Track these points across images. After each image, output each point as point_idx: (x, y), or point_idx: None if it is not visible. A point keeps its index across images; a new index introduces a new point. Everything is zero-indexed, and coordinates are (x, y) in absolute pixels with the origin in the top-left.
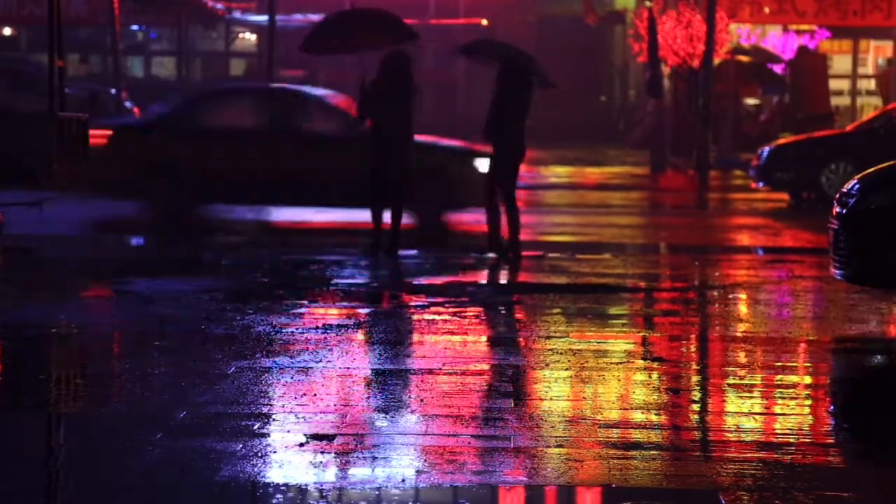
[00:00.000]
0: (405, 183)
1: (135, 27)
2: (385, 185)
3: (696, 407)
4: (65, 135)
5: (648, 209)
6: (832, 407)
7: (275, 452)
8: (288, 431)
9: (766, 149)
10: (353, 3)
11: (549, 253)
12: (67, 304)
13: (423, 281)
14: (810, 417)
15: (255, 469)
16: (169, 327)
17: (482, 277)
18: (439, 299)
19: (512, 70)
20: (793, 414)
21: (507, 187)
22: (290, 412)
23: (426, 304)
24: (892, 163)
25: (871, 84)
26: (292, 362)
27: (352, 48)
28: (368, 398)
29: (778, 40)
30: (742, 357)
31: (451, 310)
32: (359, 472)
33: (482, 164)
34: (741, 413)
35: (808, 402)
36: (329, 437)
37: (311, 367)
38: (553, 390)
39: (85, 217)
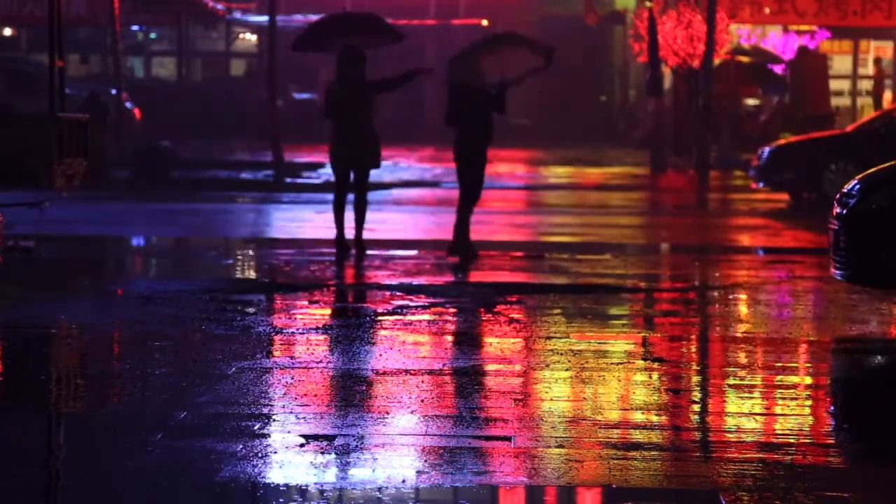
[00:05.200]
0: (367, 180)
1: (135, 27)
2: (349, 186)
3: (696, 407)
4: (65, 135)
5: (649, 209)
6: (832, 407)
7: (275, 453)
8: (288, 431)
9: (767, 149)
10: (343, 5)
11: (549, 253)
12: (67, 304)
13: (423, 281)
14: (810, 418)
15: (256, 469)
16: (169, 327)
17: (482, 277)
18: (439, 299)
19: (453, 87)
20: (793, 414)
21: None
22: (290, 412)
23: (426, 304)
24: (892, 163)
25: (871, 84)
26: (292, 362)
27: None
28: (368, 398)
29: (778, 41)
30: (742, 357)
31: (451, 310)
32: (359, 473)
33: None
34: (741, 413)
35: (809, 402)
36: (329, 437)
37: (311, 368)
38: (553, 390)
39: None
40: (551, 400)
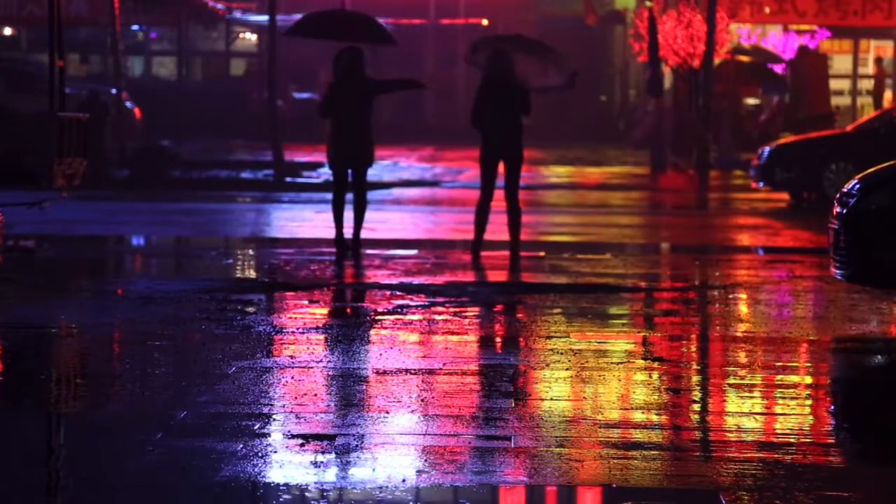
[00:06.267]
0: (366, 179)
1: (135, 27)
2: (348, 185)
3: (696, 407)
4: (65, 135)
5: (649, 209)
6: (832, 407)
7: (275, 452)
8: (288, 431)
9: (767, 149)
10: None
11: (549, 252)
12: (67, 304)
13: (423, 280)
14: (810, 417)
15: (256, 469)
16: (169, 327)
17: (481, 277)
18: (439, 299)
19: (488, 79)
20: (793, 414)
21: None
22: (290, 412)
23: (426, 303)
24: (892, 162)
25: (872, 84)
26: (292, 362)
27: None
28: (368, 398)
29: (778, 40)
30: (742, 357)
31: (451, 309)
32: (359, 472)
33: None
34: (741, 413)
35: (809, 402)
36: (329, 437)
37: (312, 367)
38: (553, 390)
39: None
40: (551, 399)
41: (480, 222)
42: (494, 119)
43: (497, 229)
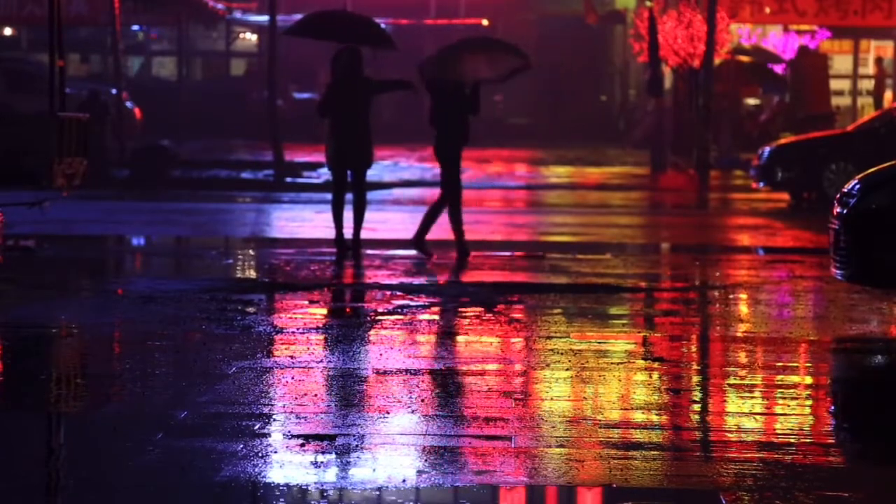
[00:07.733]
0: (365, 179)
1: (135, 27)
2: (347, 185)
3: (696, 407)
4: (65, 135)
5: (649, 209)
6: (832, 407)
7: (275, 452)
8: (288, 431)
9: (767, 149)
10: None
11: (549, 252)
12: (67, 304)
13: (423, 280)
14: (810, 417)
15: (256, 469)
16: (169, 327)
17: (482, 277)
18: (439, 299)
19: (435, 87)
20: (793, 414)
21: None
22: (290, 412)
23: (426, 303)
24: (892, 162)
25: (872, 84)
26: (292, 362)
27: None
28: (368, 398)
29: (778, 40)
30: (742, 357)
31: (451, 309)
32: (359, 472)
33: None
34: (742, 413)
35: (809, 402)
36: (329, 437)
37: (312, 367)
38: (554, 390)
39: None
40: (551, 400)
41: (456, 221)
42: (440, 121)
43: (500, 229)
